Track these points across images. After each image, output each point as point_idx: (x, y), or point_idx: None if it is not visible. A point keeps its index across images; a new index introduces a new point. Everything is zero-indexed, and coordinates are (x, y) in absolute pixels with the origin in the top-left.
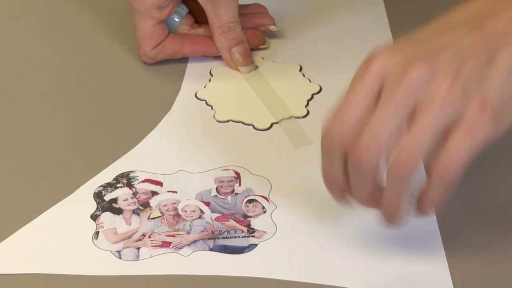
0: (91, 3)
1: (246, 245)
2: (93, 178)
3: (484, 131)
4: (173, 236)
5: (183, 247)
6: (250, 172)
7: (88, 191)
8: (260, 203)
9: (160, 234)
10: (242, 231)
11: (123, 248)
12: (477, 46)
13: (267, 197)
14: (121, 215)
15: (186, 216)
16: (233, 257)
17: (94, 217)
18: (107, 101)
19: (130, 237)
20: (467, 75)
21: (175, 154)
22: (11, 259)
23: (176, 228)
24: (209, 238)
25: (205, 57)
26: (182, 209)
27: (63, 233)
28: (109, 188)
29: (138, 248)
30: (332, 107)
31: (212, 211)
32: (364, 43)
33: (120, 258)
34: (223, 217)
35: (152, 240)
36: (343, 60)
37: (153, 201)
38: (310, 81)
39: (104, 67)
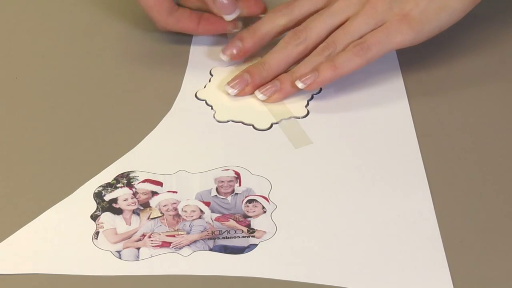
0: (91, 3)
1: (246, 245)
2: (93, 178)
3: (400, 34)
4: (173, 236)
5: (183, 247)
6: (250, 172)
7: (88, 191)
8: (260, 203)
9: (160, 234)
10: (242, 231)
11: (123, 248)
12: None
13: (267, 197)
14: (121, 215)
15: (186, 216)
16: (233, 257)
17: (94, 217)
18: (107, 101)
19: (130, 237)
20: None
21: (175, 154)
22: (11, 259)
23: (176, 228)
24: (209, 238)
25: (205, 57)
26: (182, 209)
27: (63, 233)
28: (109, 188)
29: (138, 248)
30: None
31: (212, 211)
32: None
33: (120, 258)
34: (223, 217)
35: (152, 240)
36: None
37: (153, 201)
38: None
39: (104, 67)
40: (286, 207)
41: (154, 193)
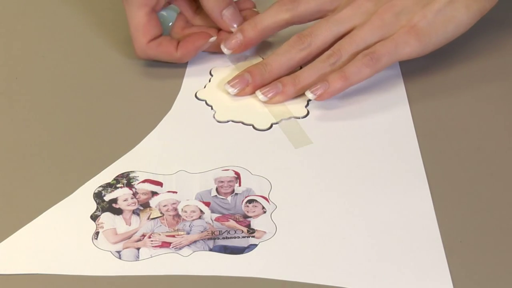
0: (91, 4)
1: (246, 245)
2: (93, 178)
3: (408, 45)
4: (173, 236)
5: (183, 247)
6: (250, 172)
7: (88, 191)
8: (260, 203)
9: (160, 235)
10: (242, 232)
11: (123, 249)
12: None
13: (267, 197)
14: (121, 216)
15: (186, 217)
16: (233, 257)
17: (94, 217)
18: (107, 101)
19: (130, 237)
20: (400, 9)
21: (175, 154)
22: (11, 259)
23: (176, 228)
24: (209, 239)
25: (205, 57)
26: (182, 209)
27: (63, 233)
28: (109, 188)
29: (138, 249)
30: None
31: (212, 212)
32: None
33: (120, 258)
34: (223, 218)
35: (152, 241)
36: None
37: (153, 201)
38: None
39: (104, 67)
40: (286, 207)
41: (154, 193)
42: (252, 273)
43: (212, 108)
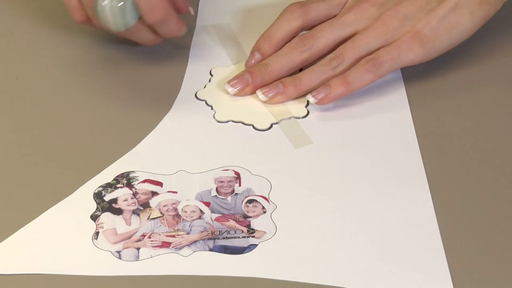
0: None
1: (246, 245)
2: (93, 178)
3: (411, 52)
4: (173, 236)
5: (183, 247)
6: (250, 172)
7: (88, 192)
8: (260, 203)
9: (160, 235)
10: (242, 232)
11: (123, 249)
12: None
13: (267, 197)
14: (121, 216)
15: (186, 217)
16: (233, 257)
17: (94, 217)
18: (107, 101)
19: (130, 237)
20: (404, 15)
21: (175, 154)
22: (11, 259)
23: (176, 228)
24: (209, 239)
25: (205, 57)
26: (182, 209)
27: (63, 233)
28: (109, 189)
29: (138, 249)
30: None
31: (212, 212)
32: None
33: (120, 258)
34: (223, 218)
35: (152, 241)
36: None
37: (153, 202)
38: None
39: (104, 67)
40: (286, 207)
41: (154, 193)
42: (252, 273)
43: (212, 108)
